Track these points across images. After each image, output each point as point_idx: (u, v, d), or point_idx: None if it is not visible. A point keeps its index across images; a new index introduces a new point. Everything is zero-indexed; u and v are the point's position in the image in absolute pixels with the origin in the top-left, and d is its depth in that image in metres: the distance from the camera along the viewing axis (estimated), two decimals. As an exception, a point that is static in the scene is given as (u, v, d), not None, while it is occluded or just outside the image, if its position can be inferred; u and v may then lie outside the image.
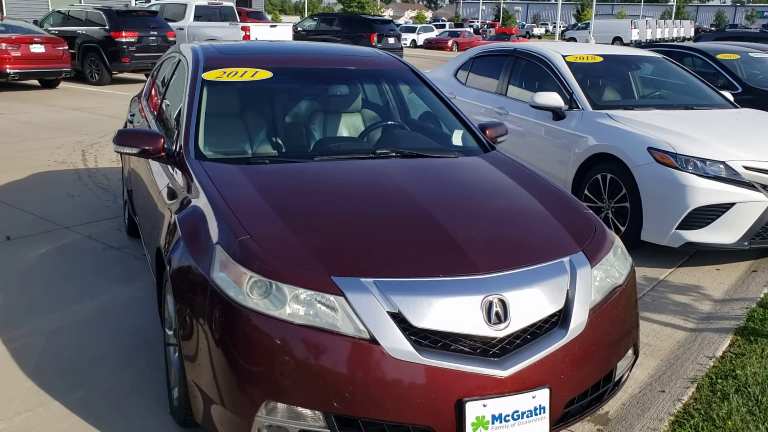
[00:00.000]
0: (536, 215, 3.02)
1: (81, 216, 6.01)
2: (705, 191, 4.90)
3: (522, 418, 2.44)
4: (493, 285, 2.50)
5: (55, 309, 4.16)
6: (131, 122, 5.29)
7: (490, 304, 2.46)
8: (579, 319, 2.59)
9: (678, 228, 5.01)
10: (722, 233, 4.96)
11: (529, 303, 2.52)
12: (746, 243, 4.98)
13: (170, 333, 3.13)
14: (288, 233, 2.68)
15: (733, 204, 4.90)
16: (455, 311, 2.43)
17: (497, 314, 2.46)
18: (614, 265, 2.88)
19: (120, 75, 17.29)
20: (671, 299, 4.58)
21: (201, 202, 3.00)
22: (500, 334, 2.45)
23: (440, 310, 2.42)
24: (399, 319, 2.40)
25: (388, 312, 2.39)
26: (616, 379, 2.83)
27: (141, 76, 17.69)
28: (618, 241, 3.04)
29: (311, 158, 3.54)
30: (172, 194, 3.36)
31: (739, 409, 3.15)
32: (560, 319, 2.59)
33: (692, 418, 3.10)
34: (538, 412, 2.46)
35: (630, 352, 2.91)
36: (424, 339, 2.41)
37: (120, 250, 5.19)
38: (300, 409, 2.41)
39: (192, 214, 2.99)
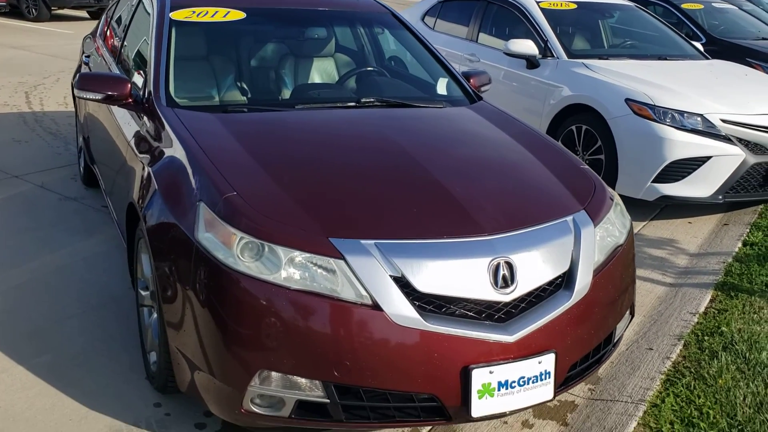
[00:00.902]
0: (535, 172, 2.89)
1: (31, 164, 5.65)
2: (682, 144, 4.85)
3: (528, 384, 2.35)
4: (500, 247, 2.37)
5: (13, 265, 3.89)
6: (87, 64, 4.93)
7: (497, 266, 2.33)
8: (584, 281, 2.50)
9: (654, 181, 4.97)
10: (698, 187, 4.94)
11: (535, 265, 2.41)
12: (721, 197, 4.98)
13: (145, 294, 2.93)
14: (278, 190, 2.49)
15: (709, 157, 4.87)
16: (461, 275, 2.30)
17: (504, 277, 2.34)
18: (615, 224, 2.79)
19: (59, 11, 16.38)
20: (647, 253, 4.56)
21: (177, 153, 2.78)
22: (506, 298, 2.33)
23: (446, 274, 2.28)
24: (402, 283, 2.26)
25: (391, 276, 2.25)
26: (615, 340, 2.76)
27: (83, 13, 16.80)
28: (617, 198, 2.94)
29: (292, 107, 3.32)
30: (142, 144, 3.11)
31: (728, 366, 3.15)
32: (564, 281, 2.49)
33: (683, 377, 3.08)
34: (543, 377, 2.37)
35: (627, 312, 2.85)
36: (428, 304, 2.28)
37: (77, 201, 4.90)
38: (297, 378, 2.27)
39: (168, 167, 2.76)
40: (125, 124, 3.44)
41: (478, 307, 2.32)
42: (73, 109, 7.23)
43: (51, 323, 3.33)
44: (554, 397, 2.43)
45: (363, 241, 2.29)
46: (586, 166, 3.07)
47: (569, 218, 2.61)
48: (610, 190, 2.94)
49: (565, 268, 2.48)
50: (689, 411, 2.84)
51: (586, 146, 5.38)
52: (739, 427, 2.74)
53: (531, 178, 2.84)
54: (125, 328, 3.31)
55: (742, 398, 2.92)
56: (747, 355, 3.24)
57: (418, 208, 2.47)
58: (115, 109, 3.66)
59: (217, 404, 2.41)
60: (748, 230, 4.98)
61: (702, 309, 3.75)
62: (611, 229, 2.75)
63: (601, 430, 2.75)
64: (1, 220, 4.48)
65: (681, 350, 3.32)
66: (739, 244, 4.70)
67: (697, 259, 4.50)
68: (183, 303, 2.40)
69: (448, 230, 2.38)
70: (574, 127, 5.48)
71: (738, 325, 3.54)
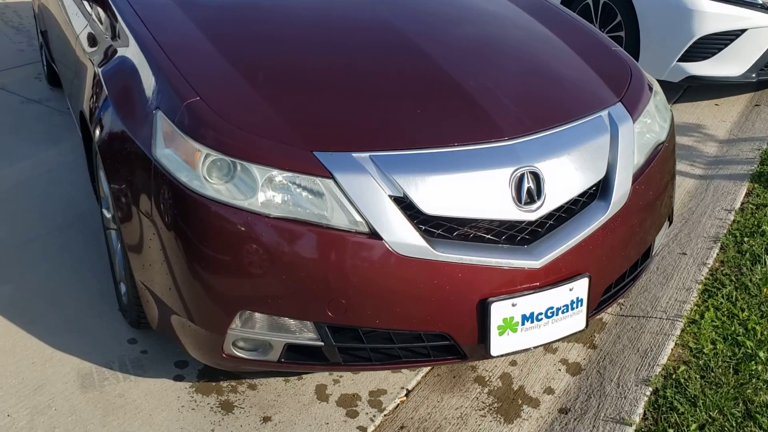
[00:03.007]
0: (560, 56, 2.43)
1: (-10, 62, 5.12)
2: (713, 17, 4.31)
3: (557, 314, 2.00)
4: (524, 153, 1.95)
5: (-34, 181, 3.48)
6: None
7: (521, 178, 1.92)
8: (622, 189, 2.09)
9: (680, 60, 4.47)
10: (728, 64, 4.44)
11: (566, 173, 2.00)
12: (754, 75, 4.48)
13: (109, 216, 2.55)
14: (250, 93, 2.05)
15: (744, 30, 4.34)
16: (477, 191, 1.89)
17: (529, 191, 1.93)
18: (655, 117, 2.35)
19: None
20: (673, 141, 4.12)
21: (130, 50, 2.31)
22: (532, 216, 1.94)
23: (457, 191, 1.88)
24: (405, 204, 1.85)
25: (390, 196, 1.85)
26: (653, 253, 2.40)
27: None
28: (657, 85, 2.49)
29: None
30: (92, 40, 2.63)
31: (774, 273, 2.80)
32: (599, 190, 2.09)
33: (723, 287, 2.74)
34: (575, 305, 2.02)
35: (666, 220, 2.46)
36: (436, 228, 1.88)
37: (41, 104, 4.42)
38: (285, 319, 1.91)
39: (120, 68, 2.30)
40: (73, 14, 2.93)
41: (497, 228, 1.93)
42: None
43: (11, 248, 2.96)
44: (587, 326, 2.08)
45: (355, 155, 1.87)
46: (619, 48, 2.60)
47: (604, 113, 2.18)
48: (648, 76, 2.49)
49: (600, 174, 2.07)
50: (733, 327, 2.52)
51: (604, 22, 4.83)
52: (792, 346, 2.42)
53: (556, 65, 2.38)
54: (94, 250, 2.95)
55: (792, 310, 2.59)
56: (794, 258, 2.89)
57: (422, 109, 2.03)
58: (63, -3, 3.15)
59: (195, 348, 2.07)
60: (782, 111, 4.53)
61: (738, 205, 3.37)
62: (651, 123, 2.32)
63: (634, 353, 2.43)
64: (-45, 129, 4.03)
65: (718, 254, 2.97)
66: (774, 128, 4.26)
67: (727, 147, 4.07)
68: (144, 234, 2.01)
69: (460, 135, 1.96)
70: (590, 1, 4.90)
71: (781, 222, 3.17)
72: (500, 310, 1.91)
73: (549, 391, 2.30)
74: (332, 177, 1.83)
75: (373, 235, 1.83)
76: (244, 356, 2.00)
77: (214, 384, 2.30)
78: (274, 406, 2.22)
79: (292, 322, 1.92)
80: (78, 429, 2.12)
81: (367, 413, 2.19)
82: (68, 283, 2.76)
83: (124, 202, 2.08)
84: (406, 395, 2.27)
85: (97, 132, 2.24)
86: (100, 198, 2.70)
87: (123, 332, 2.51)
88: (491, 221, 1.92)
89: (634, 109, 2.25)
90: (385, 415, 2.19)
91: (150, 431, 2.12)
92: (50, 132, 4.02)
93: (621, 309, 2.66)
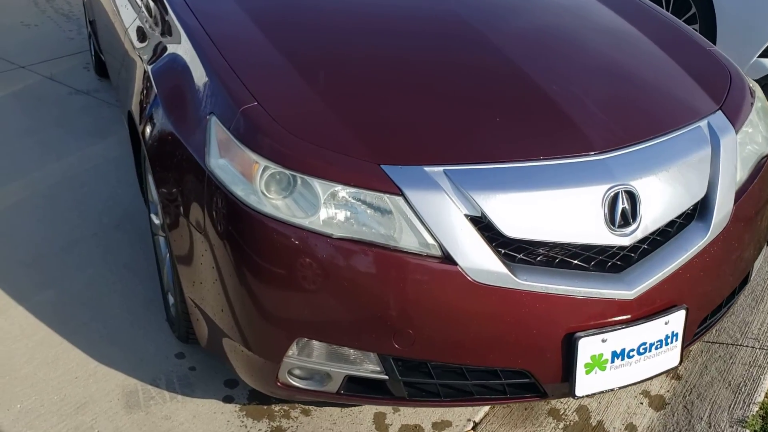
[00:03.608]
0: (650, 58, 2.19)
1: (40, 51, 5.03)
2: (801, 8, 3.99)
3: (649, 351, 1.78)
4: (617, 169, 1.73)
5: (12, 176, 3.37)
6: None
7: (615, 197, 1.71)
8: (724, 209, 1.86)
9: (761, 56, 4.16)
10: (815, 61, 4.11)
11: (664, 192, 1.77)
12: (843, 72, 4.15)
13: (158, 223, 2.40)
14: (312, 97, 1.86)
15: (833, 24, 4.01)
16: (565, 211, 1.68)
17: (623, 213, 1.71)
18: (758, 127, 2.10)
19: None
20: (753, 143, 3.83)
21: (182, 47, 2.14)
22: (626, 241, 1.72)
23: (543, 211, 1.67)
24: (483, 225, 1.65)
25: (466, 216, 1.65)
26: (750, 279, 2.15)
27: None
28: (759, 90, 2.23)
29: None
30: (141, 34, 2.47)
31: None
32: (697, 210, 1.86)
33: (823, 313, 2.48)
34: (669, 341, 1.80)
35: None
36: (517, 252, 1.68)
37: (89, 95, 4.31)
38: (345, 349, 1.73)
39: (171, 66, 2.14)
40: (122, 6, 2.78)
41: (584, 253, 1.72)
42: (84, -13, 6.51)
43: (55, 249, 2.84)
44: (681, 362, 1.86)
45: (427, 168, 1.67)
46: (714, 47, 2.34)
47: (703, 123, 1.94)
48: (749, 80, 2.23)
49: (701, 193, 1.84)
50: (837, 361, 2.27)
51: (677, 13, 4.53)
52: None
53: (646, 67, 2.14)
54: (141, 254, 2.81)
55: None
56: None
57: (501, 116, 1.83)
58: (112, -14, 3.00)
59: (247, 373, 1.91)
60: None
61: (832, 217, 3.08)
62: (753, 133, 2.07)
63: (725, 387, 2.20)
64: (2, 121, 3.93)
65: (814, 274, 2.71)
66: None
67: (814, 151, 3.76)
68: (195, 249, 1.85)
69: (544, 148, 1.75)
70: (661, -9, 4.61)
71: None
72: (588, 347, 1.70)
73: (630, 428, 2.08)
74: (402, 193, 1.64)
75: (447, 259, 1.64)
76: (301, 386, 1.83)
77: (265, 407, 2.14)
78: (329, 435, 2.05)
79: (353, 352, 1.74)
80: (121, 454, 1.99)
81: (430, 447, 2.01)
82: (113, 289, 2.63)
83: (174, 213, 1.92)
84: (473, 428, 2.08)
85: (146, 135, 2.08)
86: (148, 201, 2.56)
87: (170, 346, 2.37)
88: (579, 245, 1.70)
89: (736, 117, 2.00)
90: (450, 451, 2.01)
91: (197, 460, 1.97)
92: (97, 125, 3.91)
93: (707, 334, 2.42)
